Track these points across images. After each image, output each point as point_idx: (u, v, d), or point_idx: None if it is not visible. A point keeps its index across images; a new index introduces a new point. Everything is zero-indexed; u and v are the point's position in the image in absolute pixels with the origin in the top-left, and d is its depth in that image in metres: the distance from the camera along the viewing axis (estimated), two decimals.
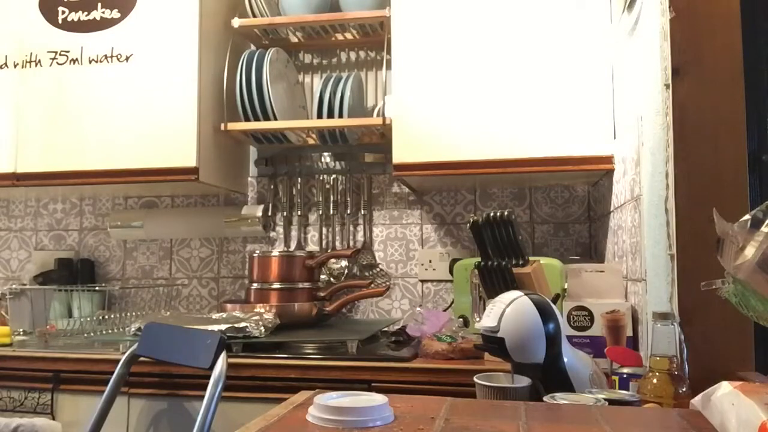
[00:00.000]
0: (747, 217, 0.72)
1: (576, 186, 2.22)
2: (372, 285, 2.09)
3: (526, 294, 1.15)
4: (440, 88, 1.92)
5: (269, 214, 2.38)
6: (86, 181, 2.11)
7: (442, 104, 1.91)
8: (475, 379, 1.13)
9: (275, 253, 2.01)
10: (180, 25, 2.08)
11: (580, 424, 0.80)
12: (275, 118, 2.13)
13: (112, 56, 2.11)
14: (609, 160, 1.82)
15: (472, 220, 1.61)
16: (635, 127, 1.54)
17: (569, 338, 1.25)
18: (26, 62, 2.17)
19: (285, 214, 2.40)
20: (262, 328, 1.75)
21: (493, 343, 1.13)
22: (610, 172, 1.85)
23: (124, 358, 1.60)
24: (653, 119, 1.33)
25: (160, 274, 2.49)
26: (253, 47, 2.33)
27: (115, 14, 2.12)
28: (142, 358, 1.63)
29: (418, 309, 2.09)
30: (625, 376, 1.18)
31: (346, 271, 2.29)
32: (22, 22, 2.19)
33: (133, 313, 2.19)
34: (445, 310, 2.08)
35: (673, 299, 1.19)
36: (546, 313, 1.12)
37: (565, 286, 1.68)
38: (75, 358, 1.78)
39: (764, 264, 0.68)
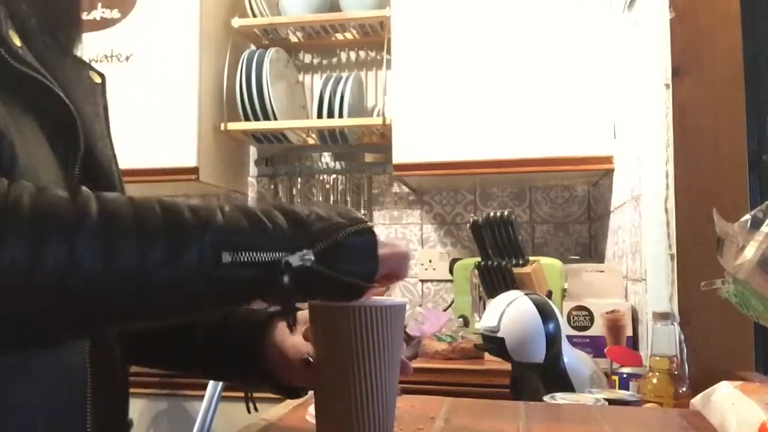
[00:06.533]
0: (747, 217, 0.72)
1: (576, 186, 2.22)
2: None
3: (526, 294, 1.15)
4: (440, 88, 1.92)
5: None
6: None
7: (442, 104, 1.91)
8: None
9: None
10: (180, 25, 2.08)
11: (580, 424, 0.80)
12: (275, 118, 2.13)
13: (112, 56, 2.11)
14: (609, 160, 1.82)
15: (472, 220, 1.61)
16: (635, 127, 1.54)
17: (569, 338, 1.25)
18: None
19: None
20: None
21: (493, 343, 1.13)
22: (610, 172, 1.85)
23: None
24: (653, 119, 1.33)
25: None
26: (253, 47, 2.33)
27: (115, 14, 2.12)
28: None
29: (418, 309, 2.09)
30: (625, 376, 1.18)
31: None
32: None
33: None
34: (445, 310, 2.08)
35: (673, 299, 1.19)
36: (546, 313, 1.12)
37: (565, 286, 1.68)
38: None
39: (764, 264, 0.68)
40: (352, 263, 0.56)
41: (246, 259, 0.51)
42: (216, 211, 0.52)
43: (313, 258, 0.53)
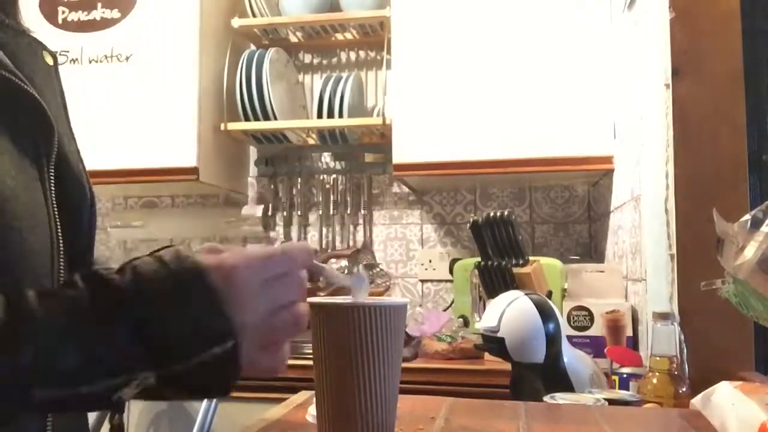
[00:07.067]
0: (747, 217, 0.72)
1: (576, 186, 2.22)
2: (372, 285, 2.09)
3: (526, 294, 1.15)
4: (440, 88, 1.92)
5: (269, 214, 2.38)
6: None
7: (442, 104, 1.91)
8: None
9: None
10: (180, 25, 2.08)
11: (580, 424, 0.80)
12: (275, 118, 2.13)
13: (112, 56, 2.11)
14: (609, 160, 1.82)
15: (472, 220, 1.61)
16: (635, 127, 1.54)
17: (569, 338, 1.25)
18: None
19: (285, 214, 2.40)
20: None
21: (493, 343, 1.13)
22: (610, 172, 1.85)
23: None
24: (653, 119, 1.33)
25: None
26: (253, 47, 2.33)
27: (115, 14, 2.12)
28: None
29: (418, 309, 2.09)
30: (625, 376, 1.18)
31: (346, 271, 2.29)
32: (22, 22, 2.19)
33: None
34: (445, 310, 2.08)
35: (673, 299, 1.19)
36: (546, 313, 1.12)
37: (565, 286, 1.68)
38: None
39: (764, 264, 0.68)
40: (209, 375, 0.48)
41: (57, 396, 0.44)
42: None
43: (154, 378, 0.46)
